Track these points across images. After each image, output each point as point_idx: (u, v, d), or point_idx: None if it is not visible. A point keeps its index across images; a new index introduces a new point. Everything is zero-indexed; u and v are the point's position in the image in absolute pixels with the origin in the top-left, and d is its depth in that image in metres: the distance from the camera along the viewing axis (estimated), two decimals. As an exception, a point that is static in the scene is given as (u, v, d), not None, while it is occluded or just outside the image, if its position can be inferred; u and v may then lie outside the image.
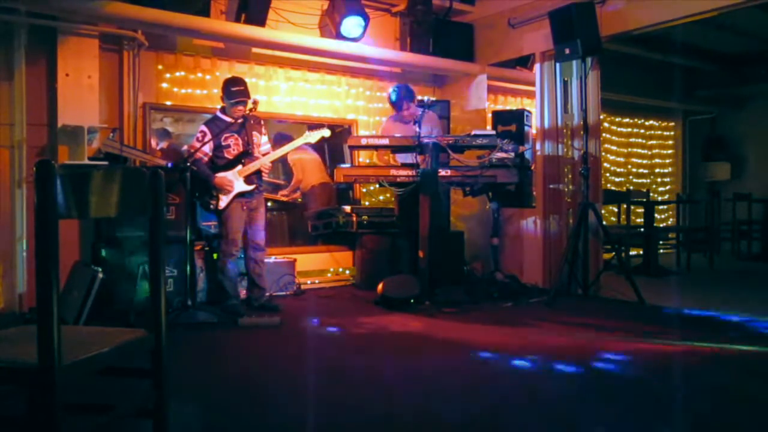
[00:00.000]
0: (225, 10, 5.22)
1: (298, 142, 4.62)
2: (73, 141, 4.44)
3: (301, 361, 3.27)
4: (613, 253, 5.44)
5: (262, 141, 4.58)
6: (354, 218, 5.45)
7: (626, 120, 8.82)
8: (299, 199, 6.40)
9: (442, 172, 4.68)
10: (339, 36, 5.47)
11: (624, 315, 4.39)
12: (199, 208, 4.49)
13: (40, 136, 4.53)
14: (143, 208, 1.79)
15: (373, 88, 6.27)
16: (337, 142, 6.37)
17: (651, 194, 8.34)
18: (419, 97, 5.26)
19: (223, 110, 4.46)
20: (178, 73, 5.14)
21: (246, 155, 4.43)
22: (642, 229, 6.84)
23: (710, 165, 9.20)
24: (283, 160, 6.56)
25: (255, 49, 5.40)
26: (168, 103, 5.12)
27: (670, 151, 9.45)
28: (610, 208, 7.61)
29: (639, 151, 9.00)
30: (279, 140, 5.37)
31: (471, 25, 6.43)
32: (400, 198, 5.11)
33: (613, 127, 8.64)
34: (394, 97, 5.18)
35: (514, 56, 6.13)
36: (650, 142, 9.18)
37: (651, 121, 9.16)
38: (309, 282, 5.61)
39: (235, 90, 4.32)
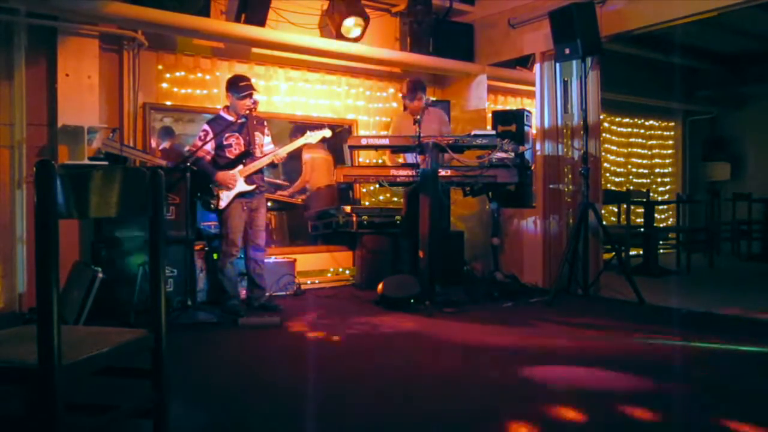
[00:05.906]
0: (225, 10, 5.23)
1: (298, 142, 4.61)
2: (73, 141, 4.45)
3: (301, 361, 3.27)
4: (613, 253, 5.43)
5: (265, 142, 4.58)
6: (354, 218, 5.45)
7: (626, 120, 8.82)
8: (300, 201, 6.38)
9: (442, 172, 4.68)
10: (339, 36, 5.47)
11: (624, 315, 4.39)
12: (200, 208, 4.49)
13: (40, 136, 4.53)
14: (143, 208, 1.80)
15: (373, 88, 6.26)
16: (337, 142, 6.36)
17: (651, 194, 8.33)
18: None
19: (226, 109, 4.47)
20: (178, 73, 5.14)
21: (247, 155, 4.43)
22: (642, 229, 6.83)
23: (710, 165, 9.20)
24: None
25: (255, 49, 5.40)
26: (168, 103, 5.12)
27: (670, 151, 9.45)
28: (610, 208, 7.61)
29: (639, 151, 8.99)
30: (296, 133, 5.41)
31: (471, 25, 6.43)
32: (407, 197, 5.11)
33: (613, 127, 8.63)
34: (408, 86, 5.17)
35: (514, 56, 6.13)
36: (650, 142, 9.18)
37: (651, 121, 9.16)
38: (309, 282, 5.61)
39: (243, 84, 4.38)
